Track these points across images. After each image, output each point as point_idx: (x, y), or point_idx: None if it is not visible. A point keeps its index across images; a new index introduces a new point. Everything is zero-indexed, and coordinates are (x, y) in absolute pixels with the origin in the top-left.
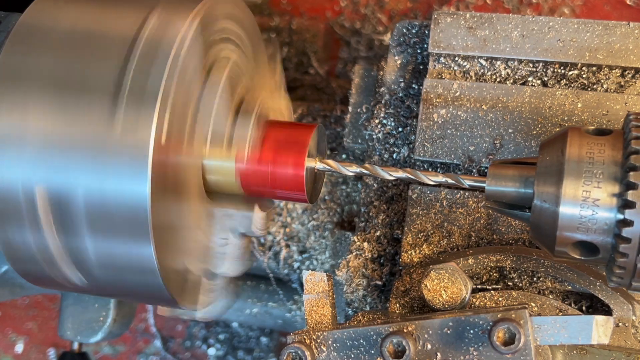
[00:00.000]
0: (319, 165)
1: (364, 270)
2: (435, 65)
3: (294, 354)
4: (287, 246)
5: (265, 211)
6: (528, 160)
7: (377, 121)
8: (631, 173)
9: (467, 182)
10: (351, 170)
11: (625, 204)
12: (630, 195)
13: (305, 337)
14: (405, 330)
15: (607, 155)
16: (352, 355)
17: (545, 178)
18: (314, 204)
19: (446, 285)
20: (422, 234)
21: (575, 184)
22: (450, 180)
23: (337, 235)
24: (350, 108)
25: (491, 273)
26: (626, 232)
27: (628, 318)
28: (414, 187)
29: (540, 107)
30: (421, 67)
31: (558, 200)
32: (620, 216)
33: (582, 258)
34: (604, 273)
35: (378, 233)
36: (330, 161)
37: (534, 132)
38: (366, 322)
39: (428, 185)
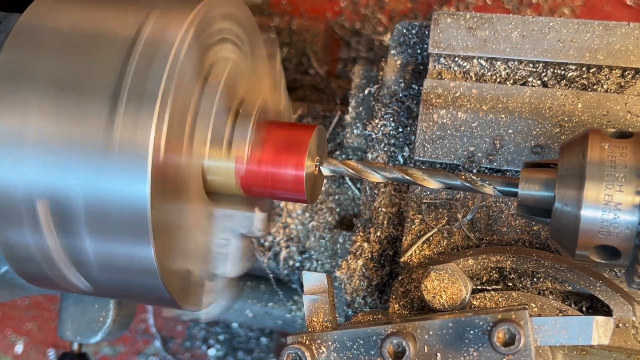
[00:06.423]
0: (323, 168)
1: (364, 270)
2: (435, 66)
3: (293, 354)
4: (287, 247)
5: (265, 212)
6: (548, 162)
7: (377, 121)
8: None
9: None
10: (348, 172)
11: None
12: None
13: (305, 337)
14: (405, 331)
15: (629, 158)
16: (352, 356)
17: (567, 181)
18: (314, 204)
19: (446, 285)
20: (422, 235)
21: (597, 187)
22: (446, 180)
23: (337, 236)
24: (350, 108)
25: (491, 274)
26: None
27: (628, 319)
28: (414, 186)
29: (540, 108)
30: (421, 67)
31: (580, 204)
32: None
33: (603, 262)
34: (605, 274)
35: (378, 233)
36: (332, 160)
37: (534, 132)
38: (366, 322)
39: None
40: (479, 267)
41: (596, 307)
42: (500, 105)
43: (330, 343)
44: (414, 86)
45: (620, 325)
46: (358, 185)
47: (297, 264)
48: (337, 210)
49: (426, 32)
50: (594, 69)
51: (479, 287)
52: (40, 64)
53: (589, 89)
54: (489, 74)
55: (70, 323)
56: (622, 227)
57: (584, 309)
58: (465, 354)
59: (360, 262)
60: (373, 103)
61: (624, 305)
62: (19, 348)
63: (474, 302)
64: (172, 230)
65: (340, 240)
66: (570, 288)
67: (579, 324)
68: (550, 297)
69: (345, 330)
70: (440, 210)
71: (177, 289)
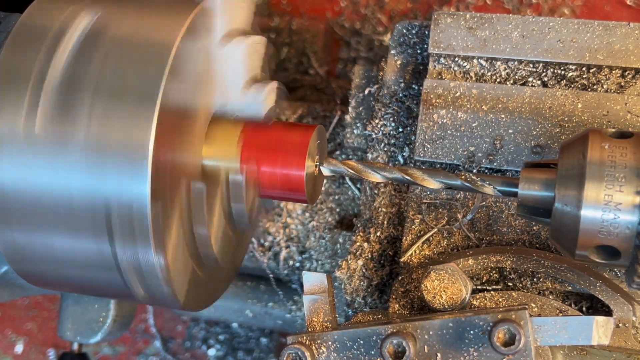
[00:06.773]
0: (323, 168)
1: (364, 270)
2: (435, 66)
3: (294, 354)
4: (287, 247)
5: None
6: (548, 162)
7: (377, 121)
8: None
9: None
10: (348, 172)
11: None
12: None
13: (305, 337)
14: (405, 331)
15: (629, 158)
16: (352, 356)
17: (567, 181)
18: (314, 205)
19: (446, 285)
20: (422, 235)
21: (597, 187)
22: (446, 180)
23: (337, 236)
24: (350, 108)
25: (491, 274)
26: None
27: (628, 319)
28: (414, 186)
29: (540, 108)
30: (421, 67)
31: (580, 204)
32: None
33: (603, 262)
34: (605, 274)
35: (378, 233)
36: (332, 160)
37: (534, 132)
38: (366, 322)
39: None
40: (479, 267)
41: (596, 307)
42: (500, 105)
43: (330, 343)
44: (414, 86)
45: (620, 325)
46: (358, 185)
47: (297, 264)
48: (337, 210)
49: (426, 32)
50: (594, 69)
51: (479, 287)
52: (40, 64)
53: (589, 89)
54: (489, 74)
55: (70, 323)
56: (622, 227)
57: (584, 309)
58: (465, 354)
59: (360, 262)
60: (373, 103)
61: (624, 305)
62: (19, 348)
63: (474, 302)
64: (169, 225)
65: (340, 240)
66: (570, 288)
67: (579, 324)
68: (550, 297)
69: (345, 330)
70: (440, 210)
71: (177, 286)
